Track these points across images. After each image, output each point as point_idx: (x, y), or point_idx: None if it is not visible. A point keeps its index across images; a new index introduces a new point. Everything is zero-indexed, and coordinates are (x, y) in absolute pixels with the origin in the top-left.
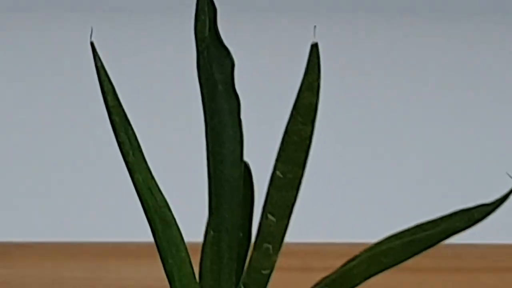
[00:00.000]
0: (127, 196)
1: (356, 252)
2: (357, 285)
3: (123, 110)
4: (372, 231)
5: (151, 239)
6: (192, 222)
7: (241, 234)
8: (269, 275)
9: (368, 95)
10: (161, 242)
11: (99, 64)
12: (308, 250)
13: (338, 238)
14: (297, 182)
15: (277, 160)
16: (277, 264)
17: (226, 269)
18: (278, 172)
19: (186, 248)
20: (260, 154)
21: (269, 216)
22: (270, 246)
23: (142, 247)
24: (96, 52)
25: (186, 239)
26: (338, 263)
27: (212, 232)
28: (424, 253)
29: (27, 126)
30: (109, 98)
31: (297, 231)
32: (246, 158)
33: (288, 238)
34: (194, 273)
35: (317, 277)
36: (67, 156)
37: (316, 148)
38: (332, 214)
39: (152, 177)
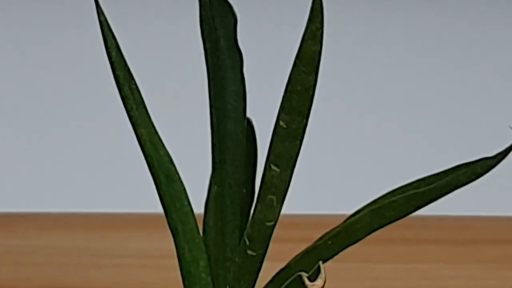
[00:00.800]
0: (129, 167)
1: None
2: (360, 239)
3: (126, 65)
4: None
5: (153, 210)
6: (196, 177)
7: (244, 190)
8: (273, 227)
9: (369, 50)
10: (164, 196)
11: (102, 19)
12: (312, 221)
13: (343, 210)
14: (301, 132)
15: (280, 110)
16: (280, 236)
17: (230, 224)
18: (281, 123)
19: (189, 203)
20: (263, 111)
21: (273, 167)
22: (274, 198)
23: (145, 218)
24: (100, 7)
25: (189, 195)
26: None
27: (215, 187)
28: (426, 225)
29: (27, 86)
30: (112, 53)
31: (302, 203)
32: (249, 114)
33: (291, 210)
34: (198, 228)
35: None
36: (70, 121)
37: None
38: (337, 184)
39: (156, 132)
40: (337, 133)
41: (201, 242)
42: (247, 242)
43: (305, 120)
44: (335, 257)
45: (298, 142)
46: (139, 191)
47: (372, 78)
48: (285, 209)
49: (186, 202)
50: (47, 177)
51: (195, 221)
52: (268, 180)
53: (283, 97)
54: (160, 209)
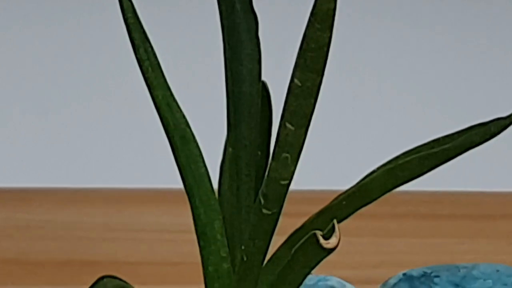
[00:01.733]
0: (148, 143)
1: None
2: (374, 199)
3: (142, 27)
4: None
5: (170, 185)
6: (211, 140)
7: (259, 153)
8: (287, 186)
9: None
10: (180, 158)
11: None
12: (325, 197)
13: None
14: (315, 90)
15: (294, 68)
16: (294, 210)
17: (245, 185)
18: (296, 80)
19: (205, 165)
20: (278, 75)
21: (287, 125)
22: (289, 156)
23: (162, 193)
24: None
25: (205, 157)
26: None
27: (231, 149)
28: (441, 200)
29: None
30: (128, 15)
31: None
32: (264, 78)
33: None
34: (213, 190)
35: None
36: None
37: None
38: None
39: (171, 94)
40: (350, 93)
41: (216, 204)
42: (262, 201)
43: (319, 78)
44: (350, 232)
45: (312, 100)
46: (157, 166)
47: (385, 38)
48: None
49: (201, 164)
50: (65, 152)
51: (210, 182)
52: (283, 138)
53: (298, 55)
54: (177, 185)
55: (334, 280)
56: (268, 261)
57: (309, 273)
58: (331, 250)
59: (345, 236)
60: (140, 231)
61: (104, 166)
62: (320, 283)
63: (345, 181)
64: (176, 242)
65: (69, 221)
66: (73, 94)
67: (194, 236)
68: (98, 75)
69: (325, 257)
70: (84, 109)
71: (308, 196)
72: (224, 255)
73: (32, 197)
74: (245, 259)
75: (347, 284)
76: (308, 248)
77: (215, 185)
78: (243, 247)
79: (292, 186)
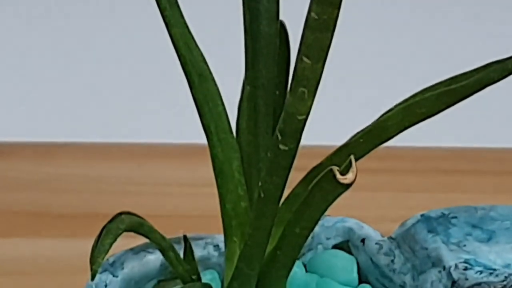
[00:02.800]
0: (170, 99)
1: (393, 153)
2: (391, 137)
3: None
4: None
5: (192, 141)
6: (229, 79)
7: (277, 92)
8: (304, 121)
9: None
10: (198, 96)
11: None
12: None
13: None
14: (332, 24)
15: (311, 1)
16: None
17: (263, 125)
18: (313, 14)
19: (222, 103)
20: (296, 16)
21: (304, 59)
22: (306, 90)
23: (183, 149)
24: None
25: (223, 96)
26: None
27: (248, 88)
28: (463, 156)
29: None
30: None
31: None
32: (283, 17)
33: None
34: (231, 128)
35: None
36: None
37: None
38: None
39: (189, 32)
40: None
41: (234, 142)
42: (279, 137)
43: (336, 11)
44: (371, 188)
45: (329, 34)
46: (179, 122)
47: None
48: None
49: (219, 102)
50: (86, 107)
51: (228, 121)
52: (300, 73)
53: None
54: (198, 140)
55: (352, 222)
56: (286, 199)
57: (326, 209)
58: (348, 186)
59: (366, 191)
60: (161, 185)
61: (126, 121)
62: (338, 224)
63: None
64: (197, 195)
65: (92, 175)
66: (96, 48)
67: (215, 190)
68: (121, 30)
69: (342, 192)
70: (107, 63)
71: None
72: (241, 193)
73: (55, 152)
74: (262, 195)
75: (365, 225)
76: (325, 184)
77: (233, 125)
78: (260, 184)
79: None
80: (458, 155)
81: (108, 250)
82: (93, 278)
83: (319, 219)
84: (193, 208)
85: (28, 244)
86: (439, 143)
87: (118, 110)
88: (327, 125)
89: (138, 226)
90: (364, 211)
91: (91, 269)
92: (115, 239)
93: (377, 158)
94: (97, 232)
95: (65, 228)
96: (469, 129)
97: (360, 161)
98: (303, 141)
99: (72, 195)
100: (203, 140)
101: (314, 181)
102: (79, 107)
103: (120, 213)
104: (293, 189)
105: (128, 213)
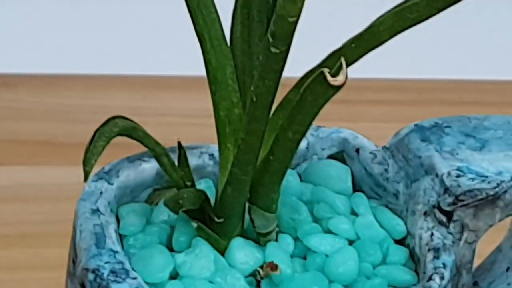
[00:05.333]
0: (173, 31)
1: (397, 85)
2: (383, 42)
3: None
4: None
5: (196, 73)
6: None
7: (270, 0)
8: (295, 23)
9: None
10: (191, 3)
11: None
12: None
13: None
14: None
15: None
16: None
17: (256, 32)
18: None
19: (216, 11)
20: None
21: None
22: None
23: (185, 80)
24: None
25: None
26: (377, 96)
27: None
28: (466, 88)
29: None
30: None
31: None
32: None
33: None
34: (224, 36)
35: (356, 109)
36: None
37: None
38: None
39: None
40: None
41: (228, 50)
42: (270, 40)
43: None
44: (375, 118)
45: None
46: (182, 54)
47: None
48: None
49: (212, 9)
50: (91, 39)
51: (222, 29)
52: None
53: None
54: (201, 72)
55: (346, 132)
56: (279, 105)
57: (317, 113)
58: (339, 88)
59: (369, 121)
60: (166, 116)
61: (131, 53)
62: (333, 134)
63: None
64: (201, 126)
65: (96, 105)
66: None
67: None
68: None
69: (333, 95)
70: None
71: None
72: (235, 100)
73: (60, 83)
74: (254, 99)
75: (359, 136)
76: (315, 87)
77: (227, 34)
78: (252, 88)
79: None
80: (461, 87)
81: (101, 152)
82: (86, 179)
83: (311, 123)
84: (197, 138)
85: (33, 172)
86: (443, 75)
87: (123, 42)
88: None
89: (132, 130)
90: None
91: (84, 171)
92: (108, 142)
93: (381, 89)
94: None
95: (69, 156)
96: (472, 61)
97: (364, 93)
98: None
99: (76, 125)
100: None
101: (305, 84)
102: (84, 39)
103: (114, 117)
104: (286, 95)
105: (122, 117)
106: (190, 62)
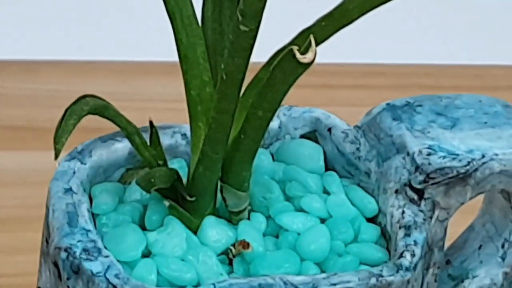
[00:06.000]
0: (152, 17)
1: (377, 70)
2: (353, 20)
3: None
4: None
5: (172, 58)
6: None
7: None
8: (264, 2)
9: None
10: None
11: None
12: (329, 69)
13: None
14: None
15: None
16: (298, 82)
17: (227, 11)
18: None
19: None
20: None
21: None
22: None
23: (165, 66)
24: None
25: None
26: (356, 81)
27: None
28: (445, 73)
29: None
30: None
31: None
32: None
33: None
34: (195, 15)
35: (335, 94)
36: None
37: None
38: None
39: None
40: None
41: (199, 29)
42: (240, 18)
43: None
44: (354, 102)
45: None
46: (162, 39)
47: None
48: None
49: None
50: (71, 25)
51: (193, 8)
52: None
53: None
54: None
55: (319, 112)
56: (249, 84)
57: (287, 91)
58: (308, 65)
59: (349, 106)
60: (146, 101)
61: (111, 39)
62: (306, 114)
63: None
64: (181, 111)
65: (76, 90)
66: None
67: None
68: None
69: (302, 72)
70: None
71: None
72: (206, 79)
73: (40, 69)
74: (224, 77)
75: (332, 115)
76: (285, 64)
77: (199, 14)
78: (222, 66)
79: None
80: (440, 72)
81: (71, 131)
82: (56, 157)
83: (281, 101)
84: (177, 122)
85: (12, 157)
86: (422, 60)
87: (103, 28)
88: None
89: (103, 109)
90: None
91: (55, 149)
92: (79, 120)
93: (360, 74)
94: None
95: (49, 141)
96: (451, 46)
97: (344, 78)
98: None
99: (56, 110)
100: None
101: (275, 62)
102: (64, 25)
103: (85, 96)
104: (256, 74)
105: (93, 96)
106: (170, 48)
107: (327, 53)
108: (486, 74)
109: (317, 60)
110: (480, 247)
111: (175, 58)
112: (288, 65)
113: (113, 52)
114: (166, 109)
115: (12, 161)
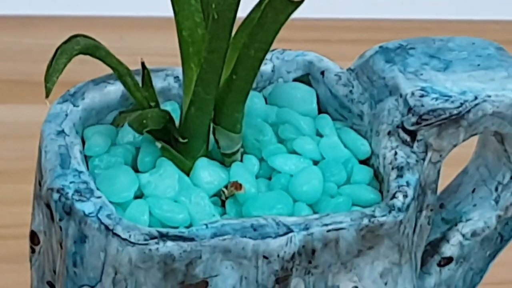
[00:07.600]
0: None
1: (376, 25)
2: None
3: None
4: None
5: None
6: None
7: None
8: None
9: None
10: None
11: None
12: (328, 24)
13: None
14: None
15: None
16: (299, 37)
17: None
18: None
19: None
20: None
21: None
22: None
23: (162, 20)
24: None
25: None
26: (355, 36)
27: None
28: (444, 28)
29: None
30: None
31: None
32: None
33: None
34: None
35: (335, 49)
36: None
37: None
38: None
39: None
40: None
41: None
42: None
43: None
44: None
45: None
46: None
47: None
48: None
49: None
50: None
51: None
52: None
53: None
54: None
55: (312, 55)
56: (241, 24)
57: (278, 31)
58: (298, 4)
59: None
60: (143, 55)
61: None
62: (298, 57)
63: None
64: (177, 65)
65: None
66: None
67: None
68: None
69: (293, 11)
70: None
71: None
72: (198, 20)
73: (36, 23)
74: (216, 17)
75: (325, 58)
76: (276, 3)
77: None
78: (213, 6)
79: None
80: (438, 26)
81: (62, 70)
82: (47, 95)
83: (272, 41)
84: None
85: (9, 110)
86: (419, 15)
87: None
88: None
89: (94, 48)
90: None
91: (46, 88)
92: (70, 60)
93: (359, 29)
94: None
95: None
96: (450, 2)
97: (342, 32)
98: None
99: None
100: None
101: (266, 1)
102: None
103: (76, 35)
104: (248, 14)
105: (84, 35)
106: (166, 2)
107: (326, 8)
108: (485, 29)
109: (316, 15)
110: (473, 190)
111: (172, 13)
112: (279, 3)
113: (110, 6)
114: (163, 63)
115: (8, 114)
